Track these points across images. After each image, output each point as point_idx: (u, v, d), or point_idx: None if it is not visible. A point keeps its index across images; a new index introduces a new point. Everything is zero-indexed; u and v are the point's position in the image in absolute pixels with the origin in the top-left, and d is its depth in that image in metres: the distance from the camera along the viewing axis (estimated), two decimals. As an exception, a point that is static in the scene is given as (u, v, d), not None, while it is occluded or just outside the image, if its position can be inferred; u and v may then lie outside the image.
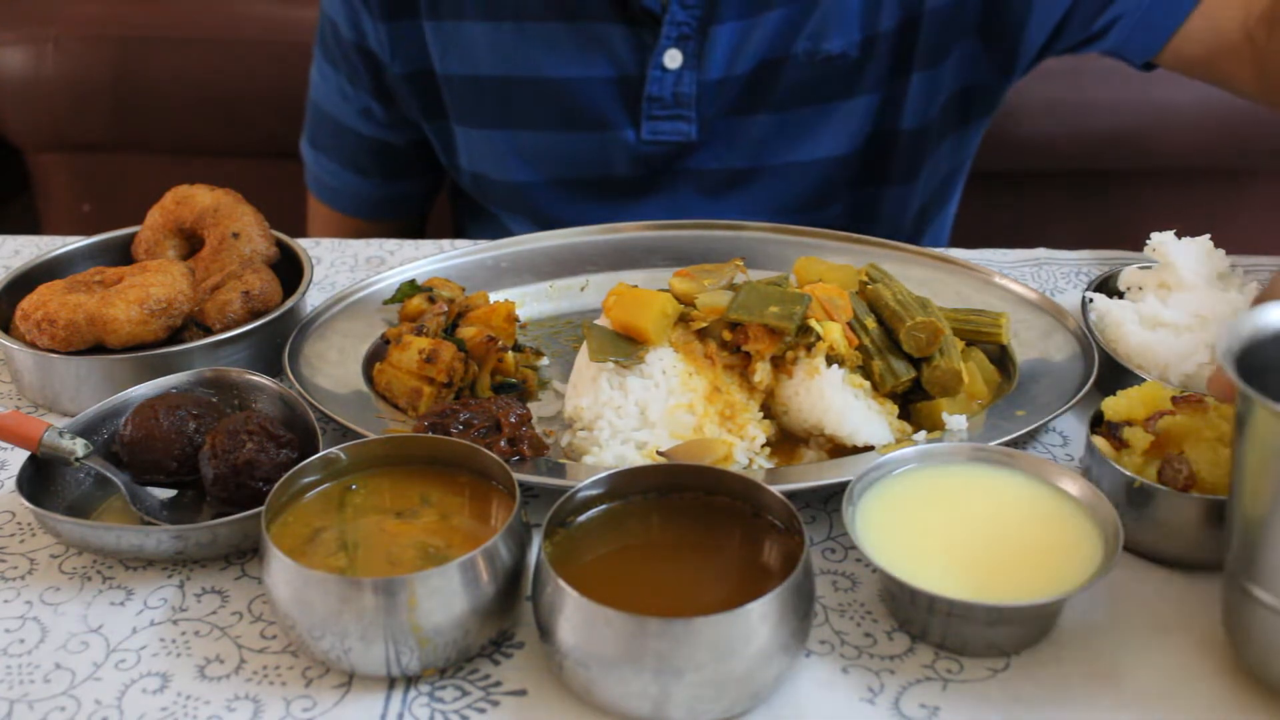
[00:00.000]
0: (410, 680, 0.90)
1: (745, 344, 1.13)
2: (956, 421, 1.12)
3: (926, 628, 0.92)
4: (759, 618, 0.82)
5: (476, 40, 1.62)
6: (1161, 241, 1.26)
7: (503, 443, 1.07)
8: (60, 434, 1.04)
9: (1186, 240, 1.26)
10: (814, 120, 1.64)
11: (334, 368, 1.22)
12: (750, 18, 1.56)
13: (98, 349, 1.19)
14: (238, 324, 1.23)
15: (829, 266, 1.25)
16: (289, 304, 1.26)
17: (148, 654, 0.92)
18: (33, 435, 1.03)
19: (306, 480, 0.96)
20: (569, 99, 1.62)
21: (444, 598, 0.85)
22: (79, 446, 1.04)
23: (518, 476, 0.96)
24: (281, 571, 0.87)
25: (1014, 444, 1.10)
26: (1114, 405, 1.04)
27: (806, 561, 0.86)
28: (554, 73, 1.60)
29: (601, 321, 1.17)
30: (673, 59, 1.57)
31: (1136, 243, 1.34)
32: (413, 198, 1.90)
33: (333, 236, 1.71)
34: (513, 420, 1.09)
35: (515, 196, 1.73)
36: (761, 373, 1.13)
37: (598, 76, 1.60)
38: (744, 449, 1.12)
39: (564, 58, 1.60)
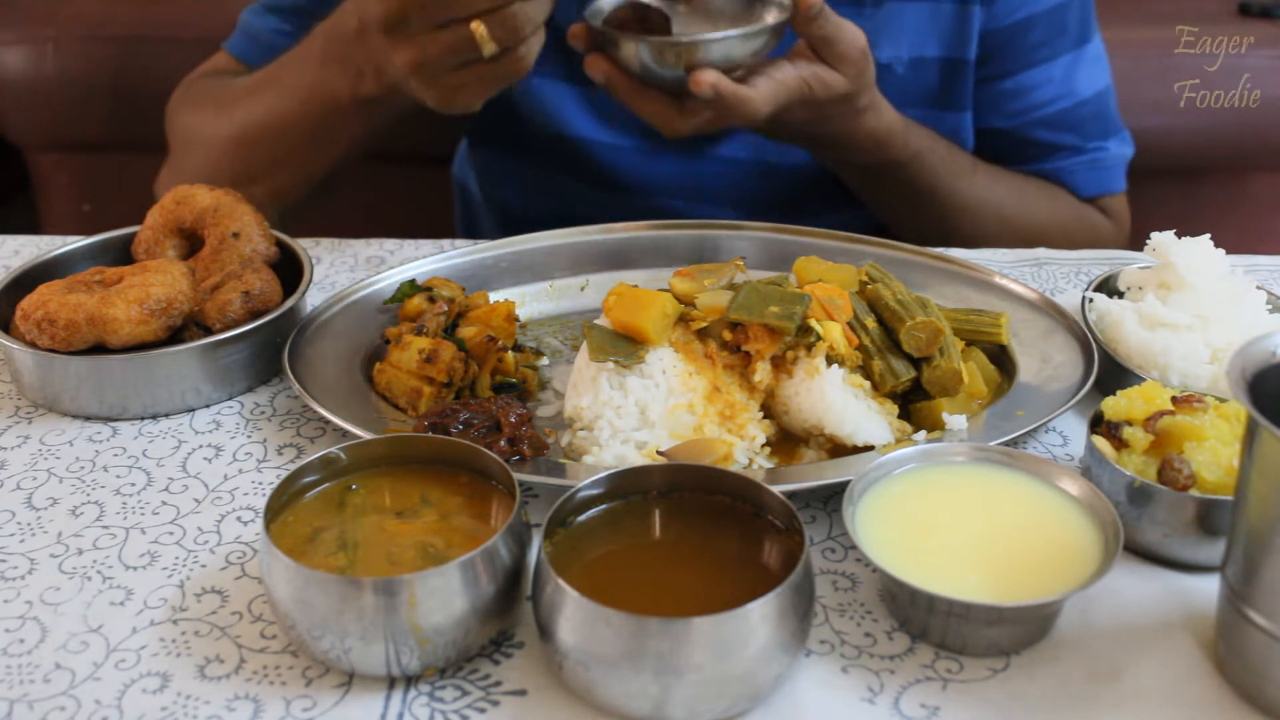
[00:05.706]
0: (410, 680, 0.90)
1: (745, 344, 1.13)
2: (956, 421, 1.12)
3: (926, 628, 0.92)
4: (759, 618, 0.82)
5: None
6: (1161, 241, 1.26)
7: (503, 443, 1.07)
8: None
9: (1186, 240, 1.25)
10: None
11: (334, 368, 1.22)
12: None
13: (98, 349, 1.19)
14: (238, 324, 1.23)
15: (829, 266, 1.25)
16: (289, 304, 1.26)
17: (148, 654, 0.92)
18: None
19: (306, 480, 0.96)
20: None
21: (444, 598, 0.85)
22: None
23: (518, 476, 0.96)
24: (281, 571, 0.87)
25: (1014, 444, 1.10)
26: (1114, 405, 1.04)
27: (806, 561, 0.86)
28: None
29: (601, 321, 1.17)
30: None
31: (1137, 242, 1.34)
32: None
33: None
34: (513, 420, 1.09)
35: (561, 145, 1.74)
36: (761, 373, 1.13)
37: None
38: (744, 449, 1.12)
39: None
